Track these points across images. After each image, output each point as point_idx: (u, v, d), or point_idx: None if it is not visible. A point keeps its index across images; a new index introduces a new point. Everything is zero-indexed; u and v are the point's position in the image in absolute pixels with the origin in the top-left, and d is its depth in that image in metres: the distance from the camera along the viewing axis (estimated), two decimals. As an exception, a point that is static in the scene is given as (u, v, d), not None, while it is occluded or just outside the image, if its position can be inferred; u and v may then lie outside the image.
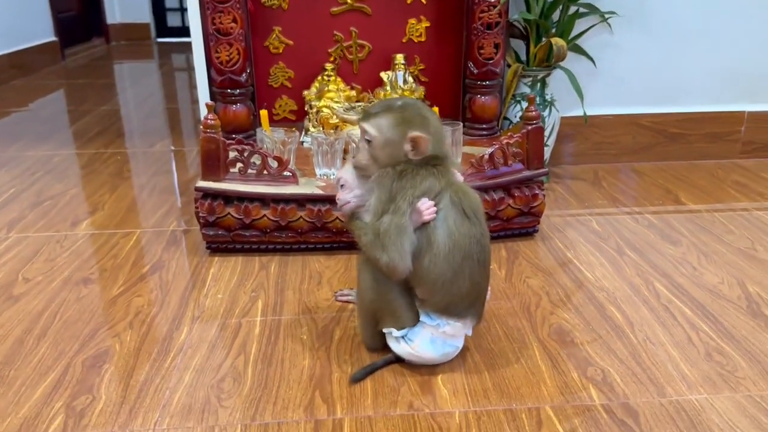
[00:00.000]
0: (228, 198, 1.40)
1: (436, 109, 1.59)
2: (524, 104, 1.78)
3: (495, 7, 1.63)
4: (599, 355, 1.05)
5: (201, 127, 1.38)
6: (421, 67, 1.83)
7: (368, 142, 0.95)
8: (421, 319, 0.99)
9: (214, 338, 1.11)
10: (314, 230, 1.41)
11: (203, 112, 1.94)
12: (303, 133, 1.75)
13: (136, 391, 0.97)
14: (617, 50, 1.92)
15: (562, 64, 1.76)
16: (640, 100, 1.98)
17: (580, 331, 1.12)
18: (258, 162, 1.42)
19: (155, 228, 1.57)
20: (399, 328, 1.00)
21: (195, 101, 3.03)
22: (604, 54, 1.91)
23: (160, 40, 5.36)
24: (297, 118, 1.87)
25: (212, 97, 1.67)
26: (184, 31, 5.29)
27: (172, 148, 2.26)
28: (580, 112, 1.94)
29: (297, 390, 0.97)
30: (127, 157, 2.15)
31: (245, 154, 1.40)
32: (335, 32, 1.80)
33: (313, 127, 1.75)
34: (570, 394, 0.96)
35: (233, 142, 1.40)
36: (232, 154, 1.41)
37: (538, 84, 1.77)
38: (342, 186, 1.00)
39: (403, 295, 0.99)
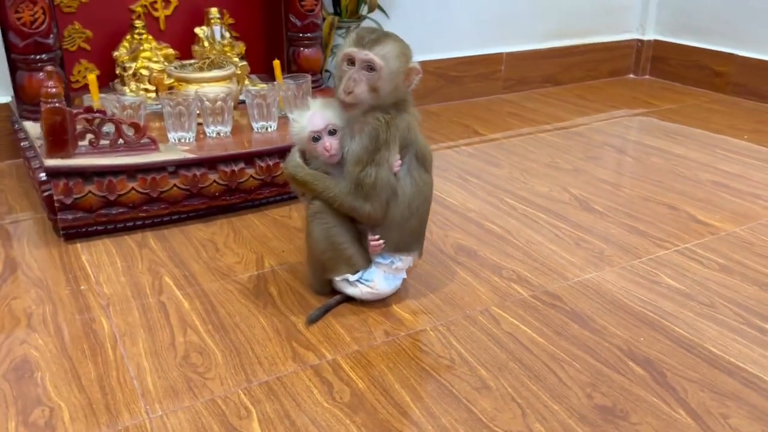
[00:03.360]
0: (85, 175, 1.24)
1: (276, 62, 1.59)
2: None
3: (311, -41, 1.66)
4: (503, 260, 1.22)
5: (42, 97, 1.19)
6: (231, 22, 1.79)
7: (370, 70, 0.92)
8: (376, 259, 1.04)
9: (144, 322, 1.02)
10: (189, 198, 1.33)
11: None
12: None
13: (98, 389, 0.87)
14: (405, 2, 2.09)
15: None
16: (426, 48, 2.19)
17: (476, 245, 1.28)
18: (111, 131, 1.28)
19: (-28, 226, 1.32)
20: (353, 273, 1.04)
21: None
22: (394, 6, 2.06)
23: None
24: (101, 83, 1.68)
25: (12, 65, 1.43)
26: None
27: None
28: (380, 61, 2.08)
29: (273, 347, 0.96)
30: None
31: (96, 124, 1.26)
32: (136, -13, 1.66)
33: (131, 90, 1.61)
34: (503, 294, 1.11)
35: (81, 111, 1.24)
36: (79, 126, 1.25)
37: (351, 35, 1.86)
38: (332, 132, 0.97)
39: (354, 242, 1.02)
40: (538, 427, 0.82)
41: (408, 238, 1.03)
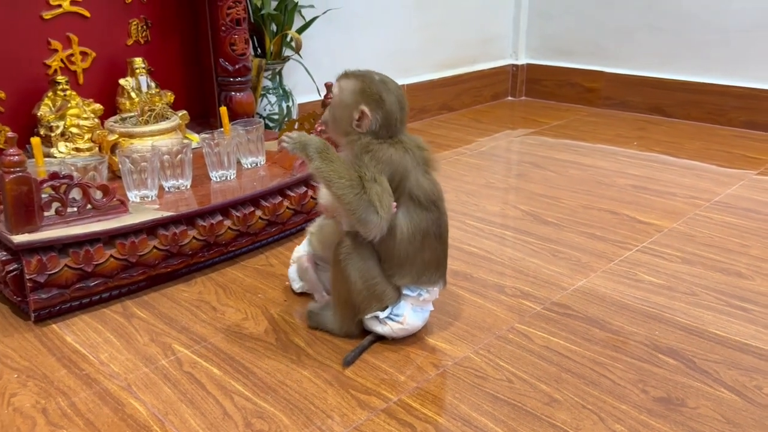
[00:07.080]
0: (58, 248, 1.12)
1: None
2: (270, 98, 1.84)
3: (240, 3, 1.63)
4: (500, 279, 1.28)
5: (3, 166, 1.07)
6: (151, 70, 1.70)
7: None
8: (403, 292, 1.05)
9: (180, 396, 0.94)
10: (167, 259, 1.24)
11: None
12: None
13: (175, 477, 0.79)
14: (313, 41, 2.11)
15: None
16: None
17: (468, 268, 1.32)
18: (78, 197, 1.17)
19: None
20: (383, 309, 1.04)
21: None
22: (303, 46, 2.08)
23: None
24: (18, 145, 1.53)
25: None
26: None
27: None
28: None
29: (332, 398, 0.93)
30: None
31: (63, 191, 1.14)
32: (50, 40, 1.53)
33: (60, 152, 1.48)
34: (518, 311, 1.16)
35: (46, 178, 1.13)
36: (44, 194, 1.13)
37: (277, 76, 1.85)
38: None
39: (384, 277, 1.03)
40: (620, 428, 0.87)
41: (427, 270, 1.05)
